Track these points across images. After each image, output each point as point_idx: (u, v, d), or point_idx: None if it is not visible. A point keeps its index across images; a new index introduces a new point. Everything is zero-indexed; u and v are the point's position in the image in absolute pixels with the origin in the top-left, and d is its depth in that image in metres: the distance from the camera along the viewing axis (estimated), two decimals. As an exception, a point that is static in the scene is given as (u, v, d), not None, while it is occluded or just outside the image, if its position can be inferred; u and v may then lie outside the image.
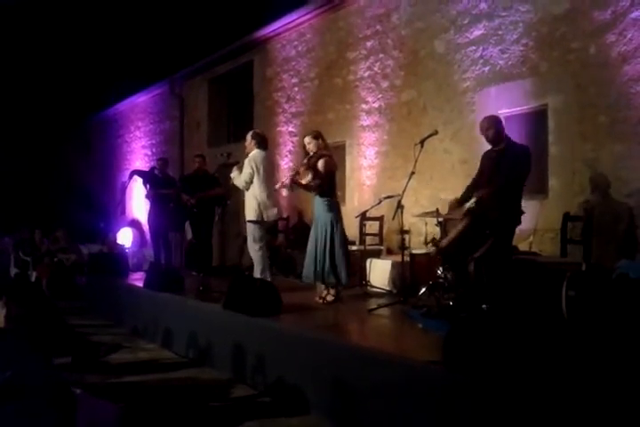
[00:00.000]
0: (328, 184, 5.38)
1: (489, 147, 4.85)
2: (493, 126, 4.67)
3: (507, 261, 4.51)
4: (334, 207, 5.41)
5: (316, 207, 5.45)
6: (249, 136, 6.18)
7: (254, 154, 6.04)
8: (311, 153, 5.42)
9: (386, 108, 8.28)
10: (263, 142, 6.17)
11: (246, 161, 6.01)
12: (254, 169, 5.91)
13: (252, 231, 6.00)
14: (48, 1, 17.13)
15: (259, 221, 5.96)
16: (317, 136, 5.47)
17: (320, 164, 5.32)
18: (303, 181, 5.40)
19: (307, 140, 5.48)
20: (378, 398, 3.26)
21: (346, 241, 5.55)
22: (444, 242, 4.54)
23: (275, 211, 6.02)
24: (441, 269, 4.79)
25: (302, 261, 5.74)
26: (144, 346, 5.95)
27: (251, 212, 5.96)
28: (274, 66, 10.68)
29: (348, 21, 8.97)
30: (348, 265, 5.35)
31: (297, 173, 5.52)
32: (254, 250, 6.00)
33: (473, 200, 4.56)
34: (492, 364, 2.66)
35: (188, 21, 15.59)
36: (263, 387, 4.27)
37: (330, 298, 5.37)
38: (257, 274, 5.91)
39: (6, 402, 2.21)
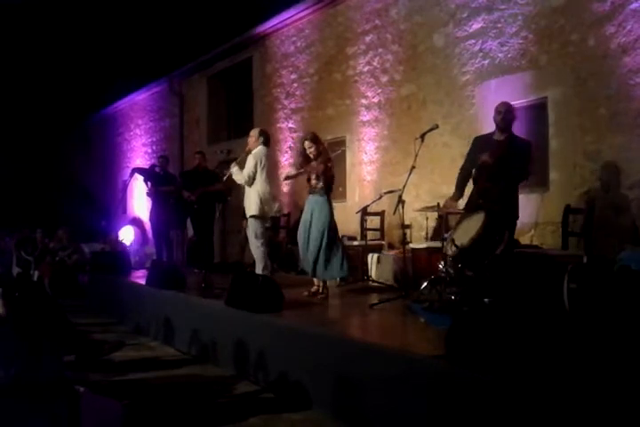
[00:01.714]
0: (329, 185, 5.53)
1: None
2: (509, 113, 4.70)
3: (510, 254, 4.50)
4: (329, 205, 5.50)
5: (312, 205, 5.51)
6: (256, 133, 6.13)
7: (259, 150, 6.02)
8: (312, 156, 5.49)
9: (385, 102, 8.26)
10: (268, 140, 6.23)
11: (250, 156, 6.00)
12: (259, 164, 5.92)
13: (253, 228, 5.99)
14: (47, 0, 17.10)
15: (260, 216, 5.97)
16: (317, 140, 5.56)
17: (324, 169, 5.44)
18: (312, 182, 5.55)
19: (307, 144, 5.54)
20: (380, 392, 3.26)
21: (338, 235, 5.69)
22: (466, 241, 4.36)
23: (276, 205, 6.04)
24: (442, 263, 4.78)
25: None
26: (147, 343, 5.96)
27: (252, 207, 5.95)
28: (273, 62, 10.66)
29: (346, 16, 8.95)
30: (344, 258, 5.44)
31: (307, 172, 5.61)
32: (256, 247, 6.01)
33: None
34: (495, 357, 2.66)
35: (187, 18, 15.59)
36: (266, 383, 4.27)
37: (321, 296, 5.45)
38: (259, 271, 5.91)
39: (11, 400, 2.21)
